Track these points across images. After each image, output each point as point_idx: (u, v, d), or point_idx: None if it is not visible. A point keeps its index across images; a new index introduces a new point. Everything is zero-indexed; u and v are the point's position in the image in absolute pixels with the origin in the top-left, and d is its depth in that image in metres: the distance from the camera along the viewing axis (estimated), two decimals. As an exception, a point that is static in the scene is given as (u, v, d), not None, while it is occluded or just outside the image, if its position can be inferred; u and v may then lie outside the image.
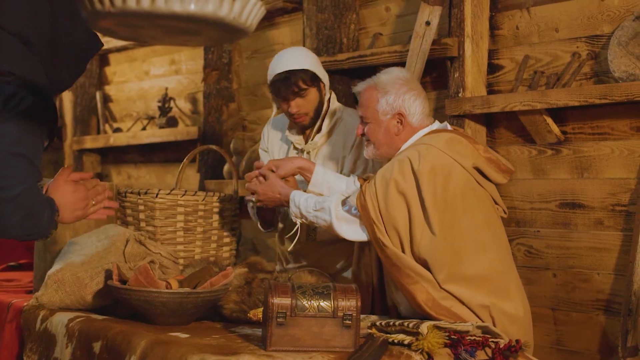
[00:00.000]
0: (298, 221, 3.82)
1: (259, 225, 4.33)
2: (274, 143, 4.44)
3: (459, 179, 3.61)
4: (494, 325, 3.48)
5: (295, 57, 4.15)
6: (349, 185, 3.99)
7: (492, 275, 3.59)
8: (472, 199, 3.62)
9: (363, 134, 3.86)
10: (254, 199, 3.97)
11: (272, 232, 4.44)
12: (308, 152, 4.27)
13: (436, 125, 3.83)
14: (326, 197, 3.75)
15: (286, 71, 4.12)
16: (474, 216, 3.60)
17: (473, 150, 3.70)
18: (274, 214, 4.31)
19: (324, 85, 4.23)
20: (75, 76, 3.11)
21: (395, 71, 3.89)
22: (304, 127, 4.23)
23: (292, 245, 4.07)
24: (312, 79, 4.14)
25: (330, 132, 4.27)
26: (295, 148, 4.32)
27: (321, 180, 3.96)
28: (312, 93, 4.16)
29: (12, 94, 2.87)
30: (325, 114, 4.27)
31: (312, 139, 4.27)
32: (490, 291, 3.55)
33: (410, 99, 3.77)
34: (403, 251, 3.54)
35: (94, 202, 3.16)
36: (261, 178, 3.98)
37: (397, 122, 3.78)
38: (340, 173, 4.20)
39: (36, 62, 2.94)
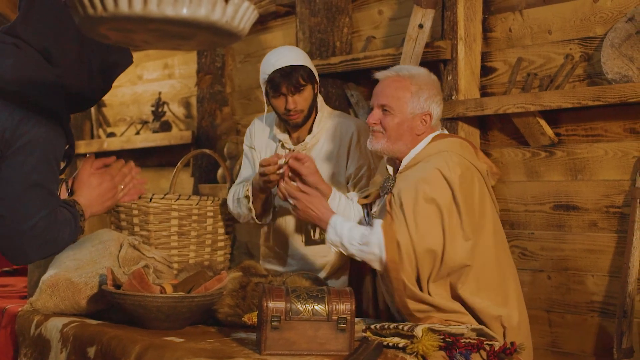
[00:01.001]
0: (334, 249, 3.65)
1: (253, 215, 4.24)
2: (260, 142, 4.41)
3: (480, 183, 3.60)
4: (504, 336, 3.48)
5: (294, 54, 4.15)
6: (356, 210, 3.99)
7: (503, 282, 3.60)
8: (488, 202, 3.62)
9: (375, 123, 3.71)
10: (291, 202, 3.78)
11: (263, 223, 4.35)
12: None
13: (439, 130, 3.81)
14: (369, 230, 3.56)
15: (288, 66, 4.09)
16: (490, 220, 3.60)
17: (476, 154, 3.70)
18: (270, 206, 4.30)
19: (317, 85, 4.22)
20: (101, 94, 3.09)
21: (424, 70, 3.80)
22: (296, 125, 4.20)
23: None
24: (310, 76, 4.14)
25: (320, 134, 4.25)
26: (283, 147, 4.30)
27: (336, 206, 3.93)
28: (308, 90, 4.15)
29: (24, 118, 2.85)
30: (315, 115, 4.26)
31: (303, 141, 4.25)
32: (502, 300, 3.55)
33: (438, 102, 3.73)
34: (434, 269, 3.51)
35: (122, 187, 3.14)
36: (308, 189, 3.79)
37: (422, 122, 3.71)
38: (336, 174, 4.18)
39: (55, 81, 2.92)
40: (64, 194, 3.09)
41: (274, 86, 4.11)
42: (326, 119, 4.27)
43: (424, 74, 3.75)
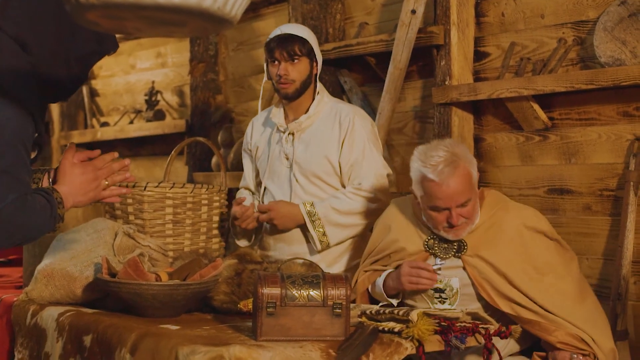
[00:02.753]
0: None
1: (237, 240, 4.42)
2: (257, 134, 4.43)
3: None
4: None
5: (300, 28, 4.23)
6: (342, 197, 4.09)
7: None
8: None
9: (457, 221, 3.61)
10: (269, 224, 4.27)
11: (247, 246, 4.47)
12: (291, 134, 4.25)
13: None
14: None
15: (287, 34, 4.16)
16: None
17: None
18: (260, 229, 4.38)
19: (317, 65, 4.22)
20: (78, 83, 3.05)
21: (454, 141, 3.83)
22: (287, 96, 4.20)
23: None
24: (308, 50, 4.16)
25: (317, 116, 4.24)
26: (278, 130, 4.30)
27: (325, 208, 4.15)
28: (304, 63, 4.17)
29: None
30: (314, 97, 4.25)
31: (298, 119, 4.25)
32: None
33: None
34: None
35: (107, 182, 3.10)
36: (269, 206, 4.20)
37: (478, 187, 3.71)
38: (329, 157, 4.17)
39: (29, 70, 2.89)
40: (45, 184, 3.05)
41: (269, 51, 4.19)
42: (325, 103, 4.27)
43: (463, 147, 3.71)
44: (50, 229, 2.93)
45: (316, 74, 4.24)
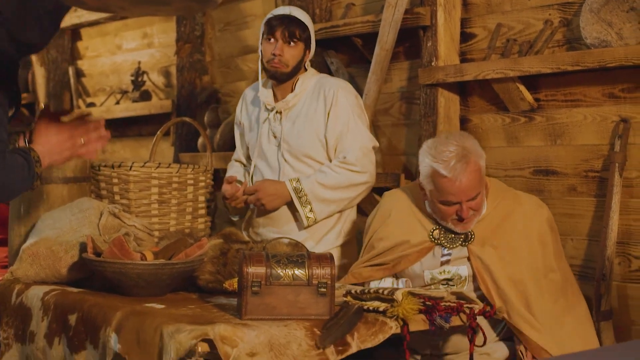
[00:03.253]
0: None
1: (230, 215, 4.45)
2: (248, 110, 4.45)
3: None
4: None
5: (302, 14, 4.25)
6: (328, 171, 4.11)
7: None
8: None
9: (467, 214, 3.67)
10: (257, 205, 4.26)
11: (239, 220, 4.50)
12: (279, 112, 4.26)
13: None
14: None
15: (291, 15, 4.19)
16: None
17: None
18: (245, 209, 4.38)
19: (309, 53, 4.23)
20: (48, 36, 3.02)
21: (463, 134, 3.85)
22: (275, 75, 4.20)
23: None
24: (306, 37, 4.18)
25: (302, 93, 4.25)
26: (266, 109, 4.31)
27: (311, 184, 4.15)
28: (299, 49, 4.18)
29: None
30: (298, 77, 4.25)
31: (284, 99, 4.26)
32: None
33: None
34: None
35: (82, 141, 3.09)
36: (256, 187, 4.22)
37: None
38: (317, 132, 4.18)
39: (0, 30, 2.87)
40: (22, 145, 3.04)
41: (270, 27, 4.19)
42: (309, 79, 4.27)
43: (472, 139, 3.75)
44: (28, 187, 2.93)
45: (306, 61, 4.25)
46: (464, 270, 3.66)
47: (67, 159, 3.07)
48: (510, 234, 3.68)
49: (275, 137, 4.26)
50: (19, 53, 2.97)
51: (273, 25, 4.18)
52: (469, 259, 3.67)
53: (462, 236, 3.70)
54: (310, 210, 4.14)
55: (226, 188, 4.27)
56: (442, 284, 3.66)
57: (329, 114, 4.18)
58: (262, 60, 4.26)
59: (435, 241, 3.73)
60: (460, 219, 3.66)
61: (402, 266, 3.74)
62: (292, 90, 4.25)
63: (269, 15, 4.24)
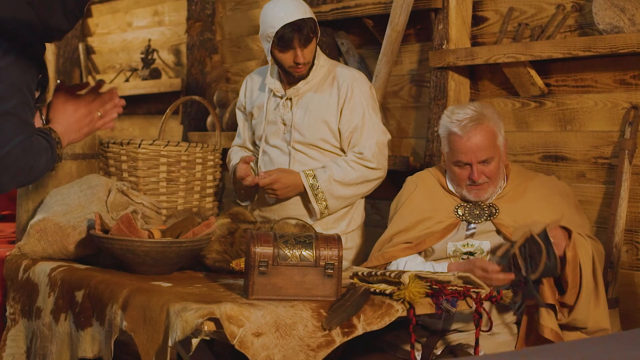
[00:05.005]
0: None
1: (236, 199, 4.39)
2: (252, 96, 4.37)
3: None
4: None
5: (302, 7, 4.08)
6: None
7: None
8: None
9: (478, 177, 3.70)
10: (270, 194, 4.15)
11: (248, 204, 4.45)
12: (289, 99, 4.21)
13: None
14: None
15: (300, 19, 4.02)
16: None
17: None
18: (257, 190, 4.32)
19: (317, 37, 4.16)
20: (74, 21, 3.02)
21: (485, 104, 3.88)
22: (302, 77, 4.15)
23: None
24: (314, 29, 4.09)
25: (314, 81, 4.20)
26: (275, 95, 4.26)
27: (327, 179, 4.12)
28: (313, 44, 4.09)
29: None
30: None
31: (295, 86, 4.19)
32: None
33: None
34: None
35: (100, 114, 3.09)
36: (271, 174, 4.10)
37: (505, 151, 3.80)
38: (328, 122, 4.14)
39: (30, 12, 2.88)
40: (38, 123, 3.04)
41: (285, 41, 4.02)
42: (322, 67, 4.22)
43: (491, 109, 3.81)
44: (50, 169, 2.94)
45: (318, 43, 4.19)
46: (487, 245, 3.67)
47: (87, 134, 3.08)
48: (534, 202, 3.73)
49: (285, 124, 4.22)
50: (46, 37, 2.97)
51: (289, 37, 4.01)
52: (497, 232, 3.67)
53: (487, 212, 3.73)
54: (326, 207, 4.13)
55: (242, 167, 4.18)
56: (462, 258, 3.66)
57: (343, 106, 4.13)
58: (275, 62, 4.16)
59: (461, 217, 3.75)
60: (473, 183, 3.70)
61: (426, 244, 3.74)
62: (303, 77, 4.18)
63: (276, 24, 4.02)
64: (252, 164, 4.30)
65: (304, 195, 4.16)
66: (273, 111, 4.24)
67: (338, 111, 4.14)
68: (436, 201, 3.85)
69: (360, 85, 4.15)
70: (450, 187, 3.84)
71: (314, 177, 4.10)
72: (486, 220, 3.72)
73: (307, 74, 4.15)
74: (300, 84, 4.16)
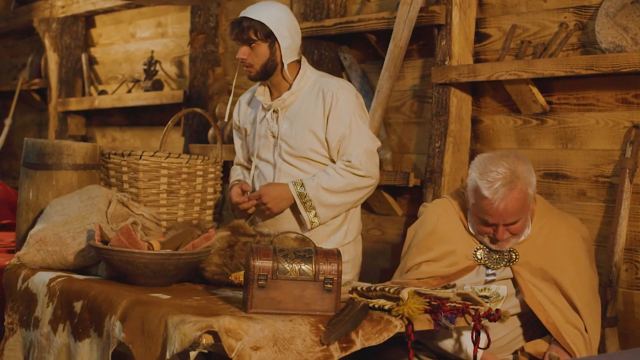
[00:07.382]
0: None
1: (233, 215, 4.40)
2: (245, 113, 4.39)
3: None
4: None
5: (261, 10, 4.10)
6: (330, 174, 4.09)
7: None
8: None
9: (502, 236, 3.59)
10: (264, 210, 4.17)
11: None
12: (275, 111, 4.21)
13: None
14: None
15: (243, 17, 4.09)
16: None
17: None
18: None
19: (279, 46, 4.13)
20: None
21: (520, 156, 3.62)
22: (249, 78, 4.19)
23: None
24: (266, 34, 4.07)
25: (300, 92, 4.19)
26: (263, 108, 4.27)
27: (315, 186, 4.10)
28: (262, 48, 4.08)
29: None
30: (298, 72, 4.19)
31: (280, 97, 4.21)
32: None
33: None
34: None
35: None
36: (260, 193, 4.14)
37: (533, 201, 3.66)
38: (314, 131, 4.13)
39: None
40: None
41: (230, 33, 4.17)
42: (308, 77, 4.21)
43: (526, 162, 3.60)
44: None
45: (276, 55, 4.14)
46: (504, 290, 3.61)
47: None
48: (556, 256, 3.61)
49: (273, 136, 4.23)
50: None
51: (230, 31, 4.14)
52: (513, 279, 3.64)
53: (507, 257, 3.64)
54: (315, 215, 4.12)
55: (237, 192, 4.23)
56: None
57: (329, 115, 4.12)
58: None
59: (479, 261, 3.68)
60: (495, 240, 3.62)
61: (450, 280, 3.70)
62: (288, 89, 4.20)
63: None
64: (247, 180, 4.32)
65: (295, 208, 4.16)
66: (261, 124, 4.25)
67: (324, 120, 4.12)
68: (457, 238, 3.73)
69: (345, 94, 4.12)
70: (471, 230, 3.71)
71: (302, 185, 4.10)
72: (505, 266, 3.64)
73: (258, 78, 4.18)
74: (285, 94, 4.17)
